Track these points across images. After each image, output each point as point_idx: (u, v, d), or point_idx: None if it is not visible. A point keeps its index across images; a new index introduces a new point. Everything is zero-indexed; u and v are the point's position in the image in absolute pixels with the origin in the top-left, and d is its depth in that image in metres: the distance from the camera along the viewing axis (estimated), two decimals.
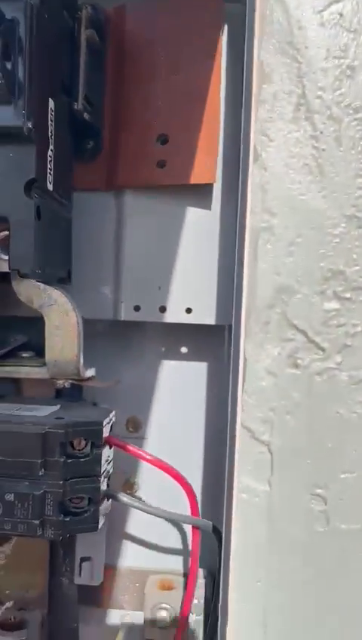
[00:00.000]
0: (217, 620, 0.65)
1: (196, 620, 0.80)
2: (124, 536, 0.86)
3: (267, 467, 0.63)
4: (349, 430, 0.62)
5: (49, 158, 0.68)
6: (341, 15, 0.60)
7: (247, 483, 0.63)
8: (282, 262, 0.62)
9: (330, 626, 0.63)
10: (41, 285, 0.68)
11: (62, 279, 0.76)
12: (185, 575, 0.83)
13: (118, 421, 0.76)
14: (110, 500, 0.73)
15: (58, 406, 0.72)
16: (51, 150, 0.68)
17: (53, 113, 0.68)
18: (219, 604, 0.65)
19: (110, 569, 0.85)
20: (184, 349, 0.84)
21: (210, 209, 0.79)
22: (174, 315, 0.80)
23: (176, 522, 0.84)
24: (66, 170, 0.76)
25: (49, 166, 0.68)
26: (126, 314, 0.81)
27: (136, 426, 0.85)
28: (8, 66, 0.62)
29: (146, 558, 0.86)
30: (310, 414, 0.62)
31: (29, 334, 0.76)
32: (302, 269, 0.61)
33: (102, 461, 0.68)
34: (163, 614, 0.80)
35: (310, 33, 0.61)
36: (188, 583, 0.79)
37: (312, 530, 0.62)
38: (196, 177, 0.77)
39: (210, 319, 0.80)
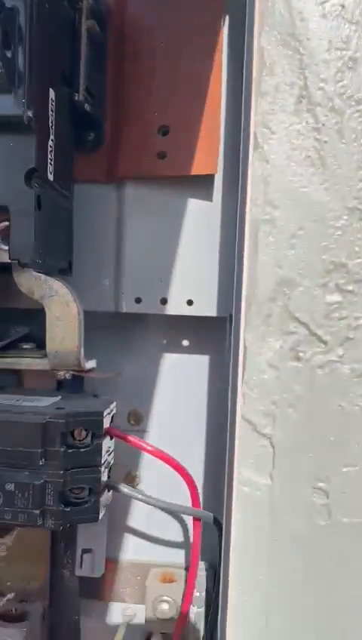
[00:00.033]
0: (218, 613, 0.65)
1: (197, 612, 0.81)
2: (126, 530, 0.86)
3: (269, 460, 0.63)
4: (351, 423, 0.62)
5: (50, 148, 0.68)
6: (343, 7, 0.60)
7: (249, 476, 0.63)
8: (284, 254, 0.61)
9: (331, 619, 0.63)
10: (42, 276, 0.68)
11: (63, 270, 0.76)
12: (187, 568, 0.83)
13: (119, 414, 0.76)
14: (111, 492, 0.73)
15: (59, 397, 0.72)
16: (52, 140, 0.68)
17: (53, 103, 0.68)
18: (220, 597, 0.65)
19: (111, 562, 0.85)
20: (185, 342, 0.84)
21: (212, 200, 0.79)
22: (175, 307, 0.80)
23: (177, 515, 0.84)
24: (67, 161, 0.76)
25: (49, 156, 0.68)
26: (127, 306, 0.81)
27: (137, 419, 0.85)
28: (8, 54, 0.61)
29: (148, 551, 0.86)
30: (312, 407, 0.62)
31: (30, 326, 0.76)
32: (303, 261, 0.61)
33: (103, 451, 0.68)
34: (164, 607, 0.80)
35: (312, 25, 0.61)
36: (189, 574, 0.80)
37: (314, 523, 0.62)
38: (197, 168, 0.76)
39: (211, 311, 0.80)
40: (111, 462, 0.73)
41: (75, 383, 0.75)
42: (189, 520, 0.82)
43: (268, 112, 0.61)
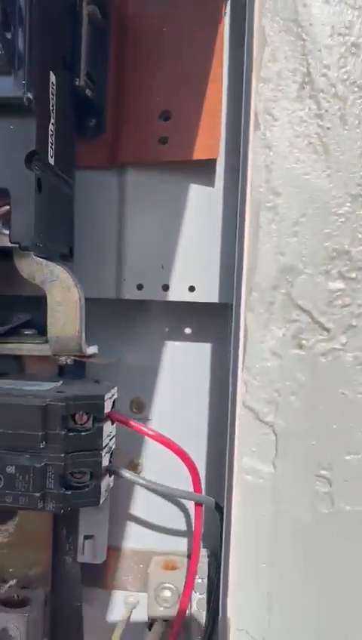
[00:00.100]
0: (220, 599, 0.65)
1: (199, 599, 0.81)
2: (128, 518, 0.86)
3: (271, 448, 0.62)
4: (354, 411, 0.61)
5: (50, 132, 0.67)
6: None
7: (252, 464, 0.63)
8: (286, 242, 0.61)
9: (334, 606, 0.63)
10: (43, 261, 0.68)
11: (64, 256, 0.76)
12: (189, 556, 0.83)
13: (121, 402, 0.76)
14: (112, 477, 0.73)
15: (60, 382, 0.72)
16: (52, 124, 0.67)
17: (54, 87, 0.67)
18: (220, 584, 0.65)
19: (114, 550, 0.85)
20: (188, 330, 0.84)
21: (214, 186, 0.79)
22: (177, 293, 0.80)
23: (179, 503, 0.84)
24: (68, 146, 0.75)
25: (50, 140, 0.67)
26: (128, 292, 0.80)
27: (139, 407, 0.84)
28: (8, 35, 0.61)
29: (150, 539, 0.86)
30: (315, 395, 0.62)
31: (32, 313, 0.76)
32: (306, 248, 0.61)
33: (104, 435, 0.68)
34: (166, 594, 0.80)
35: (314, 10, 0.60)
36: (191, 559, 0.80)
37: (317, 511, 0.62)
38: (198, 153, 0.76)
39: (213, 297, 0.79)
40: (113, 447, 0.73)
41: (76, 369, 0.75)
42: (191, 508, 0.82)
43: (270, 98, 0.61)
